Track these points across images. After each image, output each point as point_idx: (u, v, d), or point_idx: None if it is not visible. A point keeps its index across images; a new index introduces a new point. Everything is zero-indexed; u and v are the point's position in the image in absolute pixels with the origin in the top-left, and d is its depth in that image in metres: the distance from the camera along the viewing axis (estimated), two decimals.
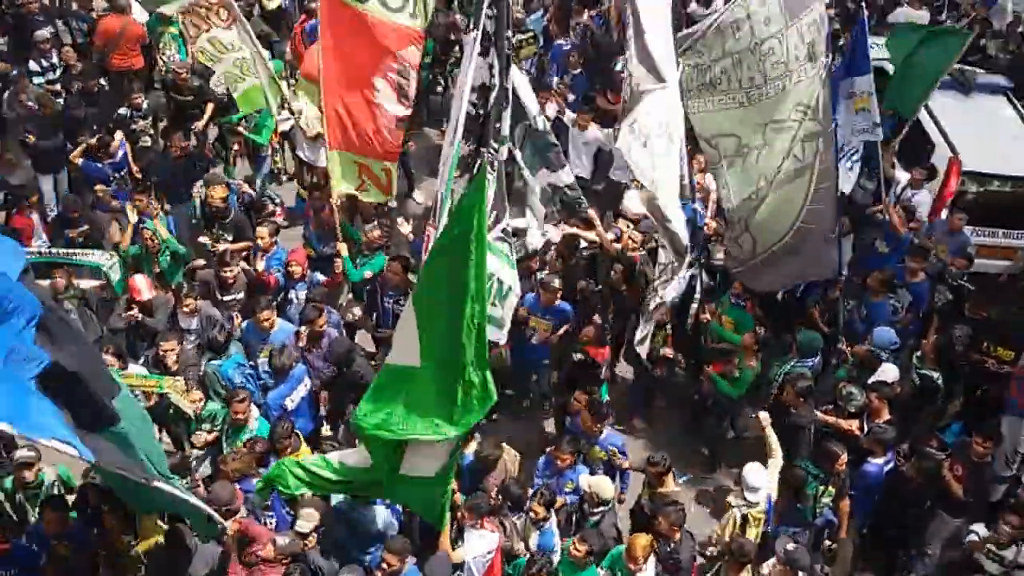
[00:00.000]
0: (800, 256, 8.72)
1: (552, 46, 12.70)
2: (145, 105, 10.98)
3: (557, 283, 8.57)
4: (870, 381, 8.09)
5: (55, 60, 11.47)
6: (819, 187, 8.32)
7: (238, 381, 7.94)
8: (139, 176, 10.49)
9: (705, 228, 9.67)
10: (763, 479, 7.30)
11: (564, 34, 12.71)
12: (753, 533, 7.31)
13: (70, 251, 8.70)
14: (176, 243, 9.38)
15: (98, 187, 10.21)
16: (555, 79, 12.11)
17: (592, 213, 8.98)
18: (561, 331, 8.69)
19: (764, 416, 7.76)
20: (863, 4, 9.69)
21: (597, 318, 9.01)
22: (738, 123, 8.48)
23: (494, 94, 7.13)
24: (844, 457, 7.31)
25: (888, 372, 8.18)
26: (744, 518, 7.31)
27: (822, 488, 7.37)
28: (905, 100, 10.47)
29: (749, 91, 8.29)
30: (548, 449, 7.66)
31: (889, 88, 10.49)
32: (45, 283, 8.56)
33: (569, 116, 10.99)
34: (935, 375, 8.35)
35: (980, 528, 7.23)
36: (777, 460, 7.58)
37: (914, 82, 10.32)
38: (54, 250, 8.69)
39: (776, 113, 8.26)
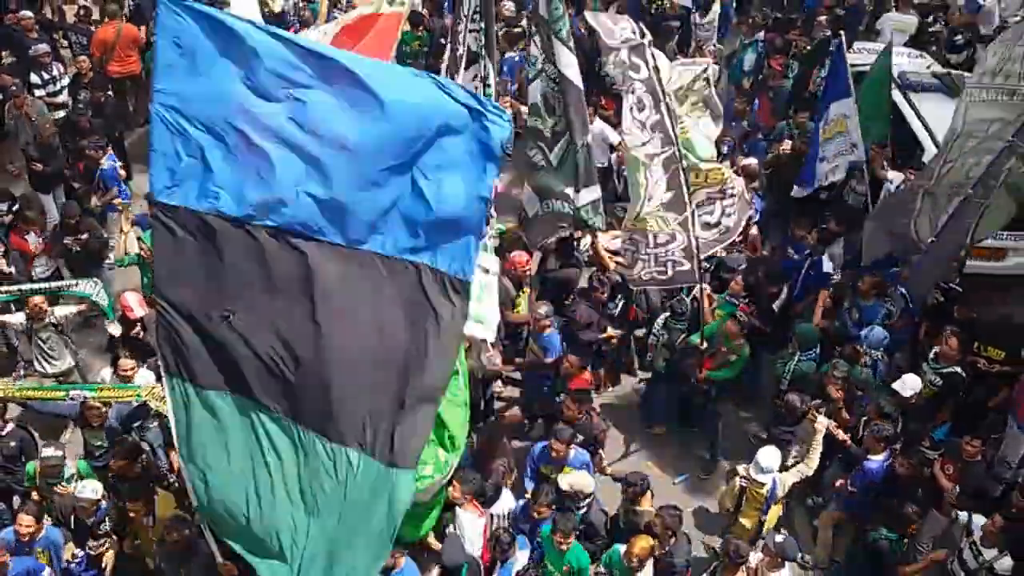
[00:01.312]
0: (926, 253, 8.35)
1: (503, 59, 11.86)
2: None
3: (544, 310, 8.43)
4: (893, 385, 8.09)
5: (55, 72, 11.51)
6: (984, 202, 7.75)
7: None
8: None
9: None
10: (774, 464, 7.34)
11: (512, 46, 12.42)
12: (750, 512, 7.40)
13: (58, 284, 8.81)
14: None
15: (117, 201, 10.17)
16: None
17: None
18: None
19: (823, 421, 7.64)
20: (839, 27, 9.66)
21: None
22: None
23: None
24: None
25: (910, 383, 8.09)
26: (743, 491, 7.41)
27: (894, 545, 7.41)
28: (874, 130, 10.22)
29: None
30: (527, 497, 7.43)
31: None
32: (18, 317, 8.68)
33: None
34: (958, 369, 8.33)
35: (979, 519, 7.21)
36: (806, 469, 7.57)
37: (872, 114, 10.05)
38: (41, 285, 8.76)
39: None
